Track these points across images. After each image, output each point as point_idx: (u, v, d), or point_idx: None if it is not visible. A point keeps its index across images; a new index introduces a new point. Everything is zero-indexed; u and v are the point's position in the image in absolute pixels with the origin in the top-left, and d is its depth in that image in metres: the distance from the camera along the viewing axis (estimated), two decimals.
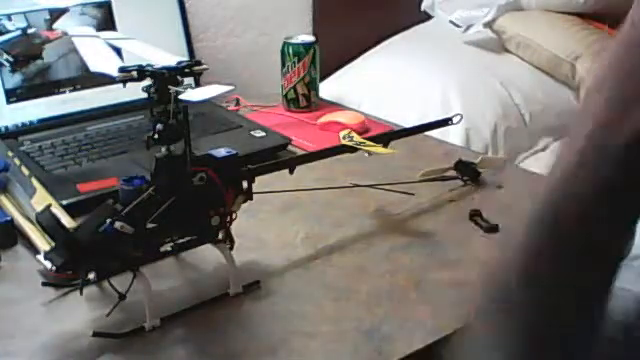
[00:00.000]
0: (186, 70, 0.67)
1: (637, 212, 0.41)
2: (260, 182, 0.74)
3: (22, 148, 1.01)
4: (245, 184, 0.72)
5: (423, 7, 1.90)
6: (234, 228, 0.72)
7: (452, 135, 1.27)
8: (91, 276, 0.64)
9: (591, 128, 0.41)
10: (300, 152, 1.01)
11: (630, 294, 1.15)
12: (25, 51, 1.07)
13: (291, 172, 0.78)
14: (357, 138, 0.85)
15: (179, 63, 0.66)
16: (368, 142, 0.84)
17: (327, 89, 1.39)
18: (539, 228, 0.43)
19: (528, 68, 1.63)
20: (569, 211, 0.41)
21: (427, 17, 1.89)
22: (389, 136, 0.88)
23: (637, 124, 0.39)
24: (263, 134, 1.09)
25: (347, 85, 1.52)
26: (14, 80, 1.06)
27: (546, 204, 0.42)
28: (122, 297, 0.65)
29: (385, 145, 0.86)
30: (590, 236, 0.41)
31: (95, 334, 0.64)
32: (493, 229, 0.84)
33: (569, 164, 0.41)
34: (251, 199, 0.73)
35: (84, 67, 1.04)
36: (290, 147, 1.07)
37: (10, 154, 0.90)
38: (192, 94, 0.62)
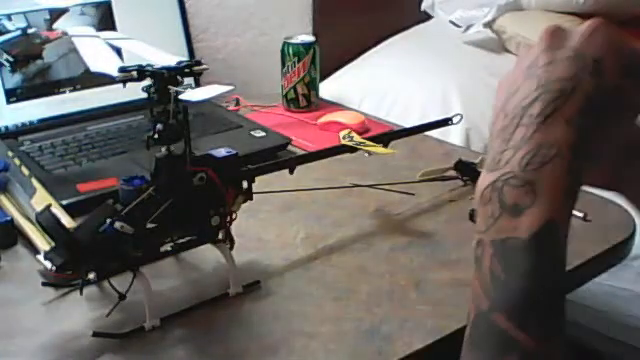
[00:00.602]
0: (186, 70, 0.66)
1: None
2: (260, 182, 0.74)
3: (22, 148, 1.01)
4: (245, 184, 0.72)
5: (423, 7, 1.90)
6: (234, 228, 0.72)
7: (452, 135, 1.27)
8: (91, 276, 0.64)
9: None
10: (300, 152, 1.01)
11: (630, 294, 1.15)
12: (25, 51, 1.07)
13: (291, 172, 0.78)
14: (357, 138, 0.85)
15: (179, 63, 0.66)
16: (368, 142, 0.84)
17: (327, 89, 1.39)
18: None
19: None
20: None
21: (427, 17, 1.89)
22: (389, 136, 0.88)
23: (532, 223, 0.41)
24: (263, 134, 1.09)
25: (347, 85, 1.52)
26: (14, 80, 1.06)
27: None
28: (122, 297, 0.65)
29: (385, 145, 0.86)
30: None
31: (95, 334, 0.64)
32: None
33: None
34: (251, 199, 0.73)
35: (84, 67, 1.05)
36: (290, 147, 1.07)
37: (10, 154, 0.90)
38: (192, 94, 0.62)
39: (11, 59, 1.06)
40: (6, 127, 1.06)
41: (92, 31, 0.79)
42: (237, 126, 1.12)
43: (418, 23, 1.85)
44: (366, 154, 0.83)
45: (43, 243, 0.74)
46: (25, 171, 0.85)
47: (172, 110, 0.63)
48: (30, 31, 1.08)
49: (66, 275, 0.63)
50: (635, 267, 1.24)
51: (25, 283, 0.73)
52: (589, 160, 0.43)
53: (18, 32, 1.07)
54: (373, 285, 0.74)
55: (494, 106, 0.47)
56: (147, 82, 0.64)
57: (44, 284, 0.71)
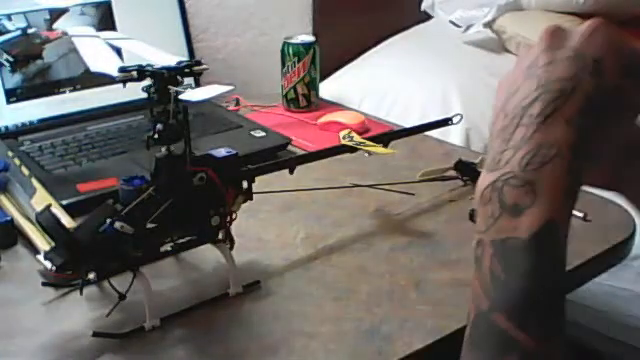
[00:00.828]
0: (186, 70, 0.66)
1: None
2: (260, 182, 0.74)
3: (22, 148, 1.01)
4: (245, 184, 0.72)
5: (423, 7, 1.90)
6: (234, 228, 0.72)
7: (452, 135, 1.27)
8: (91, 276, 0.64)
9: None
10: (300, 152, 1.01)
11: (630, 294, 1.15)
12: (25, 51, 1.07)
13: (291, 172, 0.78)
14: (357, 138, 0.85)
15: (179, 63, 0.66)
16: (368, 142, 0.84)
17: (327, 89, 1.39)
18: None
19: None
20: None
21: (427, 17, 1.89)
22: (389, 136, 0.88)
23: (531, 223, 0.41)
24: (263, 134, 1.09)
25: (347, 85, 1.52)
26: (14, 80, 1.06)
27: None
28: (122, 297, 0.65)
29: (385, 145, 0.86)
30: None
31: (95, 334, 0.64)
32: None
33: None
34: (251, 199, 0.73)
35: (84, 67, 1.06)
36: (290, 147, 1.07)
37: (10, 154, 0.90)
38: (192, 94, 0.62)
39: (11, 59, 1.06)
40: (6, 127, 1.06)
41: (92, 31, 0.79)
42: (237, 126, 1.12)
43: (418, 23, 1.85)
44: (366, 154, 0.83)
45: (43, 243, 0.74)
46: (25, 171, 0.85)
47: (172, 110, 0.63)
48: (30, 31, 1.08)
49: (66, 275, 0.63)
50: (635, 267, 1.24)
51: (25, 283, 0.73)
52: (589, 160, 0.43)
53: (18, 32, 1.07)
54: (373, 285, 0.74)
55: (494, 106, 0.47)
56: (147, 82, 0.64)
57: (44, 284, 0.71)
